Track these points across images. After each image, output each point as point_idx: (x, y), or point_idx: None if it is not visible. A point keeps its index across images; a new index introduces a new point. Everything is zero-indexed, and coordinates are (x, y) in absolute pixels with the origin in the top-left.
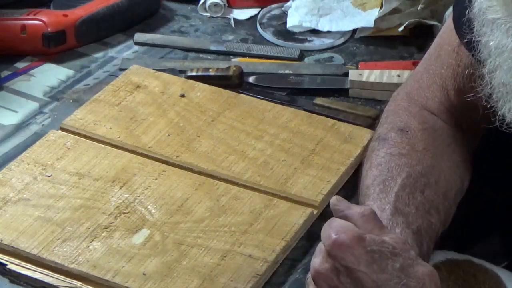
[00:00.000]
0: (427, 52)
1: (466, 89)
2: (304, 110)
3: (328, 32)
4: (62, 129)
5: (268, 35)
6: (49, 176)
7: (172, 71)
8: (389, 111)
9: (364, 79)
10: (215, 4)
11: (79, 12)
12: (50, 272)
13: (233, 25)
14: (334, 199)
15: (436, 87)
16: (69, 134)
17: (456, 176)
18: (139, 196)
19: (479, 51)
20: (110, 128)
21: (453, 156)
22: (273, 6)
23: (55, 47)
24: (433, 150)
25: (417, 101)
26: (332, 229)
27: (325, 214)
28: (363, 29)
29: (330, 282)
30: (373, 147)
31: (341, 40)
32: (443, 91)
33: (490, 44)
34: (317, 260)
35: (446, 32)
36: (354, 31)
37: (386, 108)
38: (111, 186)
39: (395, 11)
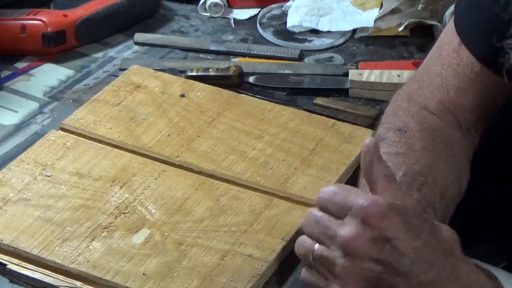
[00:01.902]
0: (429, 53)
1: (466, 88)
2: (304, 110)
3: (328, 32)
4: (62, 129)
5: (268, 35)
6: (49, 176)
7: (172, 71)
8: (389, 111)
9: (364, 79)
10: (215, 4)
11: (79, 12)
12: (50, 272)
13: (233, 25)
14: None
15: (436, 87)
16: (69, 134)
17: (454, 177)
18: (139, 196)
19: None
20: (110, 128)
21: (451, 157)
22: (273, 6)
23: (55, 47)
24: (431, 150)
25: (417, 101)
26: (356, 197)
27: None
28: (363, 29)
29: (368, 252)
30: None
31: (341, 40)
32: (443, 90)
33: None
34: (348, 229)
35: (447, 32)
36: (354, 31)
37: (386, 109)
38: (111, 186)
39: (395, 11)
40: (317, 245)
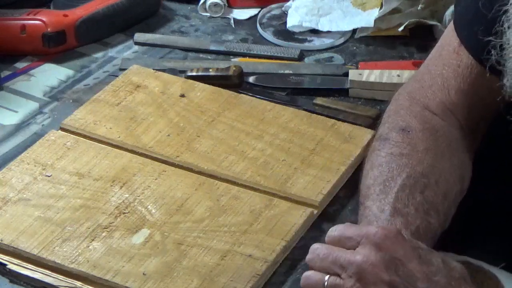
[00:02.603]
0: (430, 53)
1: (467, 89)
2: (304, 110)
3: (328, 32)
4: (62, 129)
5: (268, 35)
6: (49, 176)
7: (172, 71)
8: (391, 110)
9: (364, 79)
10: (215, 4)
11: (79, 12)
12: (50, 272)
13: (233, 25)
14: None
15: (437, 87)
16: (69, 134)
17: (456, 176)
18: (139, 196)
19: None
20: (110, 128)
21: (453, 157)
22: (273, 6)
23: (55, 47)
24: (434, 150)
25: (419, 101)
26: (372, 227)
27: (325, 214)
28: (363, 29)
29: (381, 276)
30: (374, 147)
31: (341, 40)
32: (444, 91)
33: None
34: (362, 254)
35: (448, 33)
36: (354, 31)
37: (387, 108)
38: (111, 186)
39: (395, 11)
40: (327, 277)
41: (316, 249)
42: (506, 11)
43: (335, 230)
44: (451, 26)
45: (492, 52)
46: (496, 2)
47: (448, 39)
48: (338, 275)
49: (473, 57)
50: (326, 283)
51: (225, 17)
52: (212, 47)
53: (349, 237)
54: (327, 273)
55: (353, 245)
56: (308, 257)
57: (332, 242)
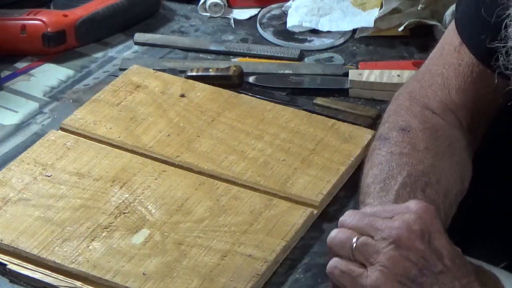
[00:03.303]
0: (431, 52)
1: (467, 88)
2: (304, 110)
3: (328, 32)
4: (62, 129)
5: (268, 35)
6: (49, 176)
7: (172, 71)
8: (391, 110)
9: (364, 79)
10: (215, 4)
11: (79, 12)
12: (50, 272)
13: (233, 25)
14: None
15: (438, 87)
16: (69, 134)
17: (457, 176)
18: (139, 196)
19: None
20: (110, 128)
21: (454, 156)
22: (273, 6)
23: (55, 47)
24: (434, 150)
25: (419, 100)
26: (404, 204)
27: (325, 214)
28: (363, 29)
29: (415, 244)
30: (374, 146)
31: (341, 40)
32: (444, 90)
33: None
34: (401, 220)
35: (449, 32)
36: (354, 31)
37: (388, 107)
38: (111, 186)
39: (395, 11)
40: (356, 237)
41: (351, 213)
42: (509, 15)
43: (371, 208)
44: (452, 26)
45: (499, 57)
46: (497, 5)
47: (449, 39)
48: (371, 236)
49: (475, 56)
50: (355, 243)
51: (225, 17)
52: (212, 47)
53: (387, 210)
54: (360, 233)
55: (390, 216)
56: (342, 218)
57: (368, 214)
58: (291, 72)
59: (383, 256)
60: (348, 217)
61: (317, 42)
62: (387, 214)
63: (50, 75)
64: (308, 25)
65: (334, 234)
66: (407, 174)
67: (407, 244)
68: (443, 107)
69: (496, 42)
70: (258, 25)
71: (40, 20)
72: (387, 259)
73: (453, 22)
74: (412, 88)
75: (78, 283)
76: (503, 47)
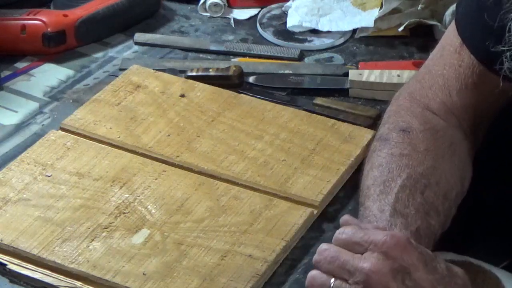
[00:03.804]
0: (431, 53)
1: (468, 89)
2: (304, 110)
3: (328, 32)
4: (62, 129)
5: (268, 35)
6: (49, 176)
7: (172, 71)
8: (391, 111)
9: (364, 79)
10: (215, 4)
11: (79, 12)
12: (50, 272)
13: (233, 25)
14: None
15: (438, 87)
16: (69, 134)
17: (457, 177)
18: (139, 196)
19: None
20: (110, 128)
21: (454, 157)
22: (273, 6)
23: (55, 47)
24: (434, 151)
25: (419, 101)
26: (377, 233)
27: (325, 214)
28: (363, 29)
29: (388, 285)
30: (374, 147)
31: (341, 40)
32: (445, 91)
33: None
34: (370, 262)
35: (449, 33)
36: (354, 31)
37: (388, 108)
38: (111, 186)
39: (395, 11)
40: (333, 280)
41: (324, 251)
42: None
43: (342, 233)
44: (452, 26)
45: (504, 61)
46: (499, 8)
47: (450, 39)
48: (345, 280)
49: (476, 57)
50: (331, 286)
51: (225, 17)
52: (212, 47)
53: (357, 242)
54: (333, 276)
55: (361, 250)
56: (315, 258)
57: (340, 245)
58: (291, 72)
59: None
60: (321, 256)
61: (317, 42)
62: (358, 248)
63: (50, 75)
64: (308, 25)
65: (312, 276)
66: (406, 176)
67: (380, 286)
68: (443, 108)
69: (500, 46)
70: (258, 25)
71: (40, 20)
72: None
73: (453, 23)
74: (412, 89)
75: (78, 283)
76: (507, 50)
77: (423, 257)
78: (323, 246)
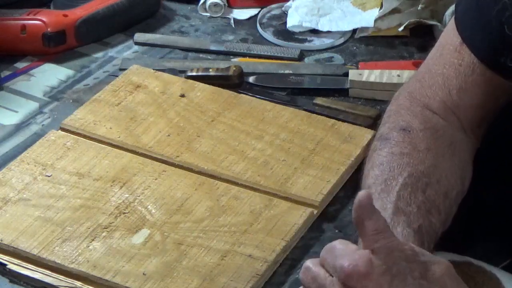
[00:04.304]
0: (430, 52)
1: (468, 88)
2: (304, 110)
3: (328, 32)
4: (62, 129)
5: (268, 35)
6: (49, 176)
7: (172, 71)
8: (391, 110)
9: (364, 79)
10: (215, 4)
11: (79, 12)
12: (50, 272)
13: (233, 25)
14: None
15: (438, 87)
16: (69, 134)
17: (457, 176)
18: (139, 196)
19: None
20: (110, 128)
21: (454, 156)
22: (273, 6)
23: (55, 47)
24: (435, 150)
25: (419, 100)
26: (342, 259)
27: (325, 214)
28: (363, 29)
29: None
30: (375, 147)
31: (341, 40)
32: (445, 90)
33: None
34: None
35: (448, 32)
36: (354, 31)
37: (388, 107)
38: (111, 186)
39: (395, 11)
40: None
41: (306, 270)
42: None
43: (325, 249)
44: (451, 25)
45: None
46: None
47: (449, 38)
48: None
49: (476, 56)
50: None
51: (225, 17)
52: (212, 47)
53: (328, 263)
54: None
55: (332, 273)
56: (301, 273)
57: (321, 260)
58: (291, 72)
59: None
60: (303, 275)
61: (317, 42)
62: (330, 270)
63: (50, 75)
64: (308, 25)
65: None
66: (408, 175)
67: None
68: (443, 107)
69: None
70: (258, 25)
71: (40, 20)
72: None
73: (452, 22)
74: (412, 88)
75: (78, 283)
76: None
77: (390, 275)
78: (306, 264)
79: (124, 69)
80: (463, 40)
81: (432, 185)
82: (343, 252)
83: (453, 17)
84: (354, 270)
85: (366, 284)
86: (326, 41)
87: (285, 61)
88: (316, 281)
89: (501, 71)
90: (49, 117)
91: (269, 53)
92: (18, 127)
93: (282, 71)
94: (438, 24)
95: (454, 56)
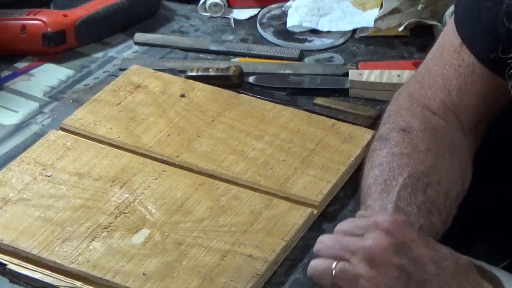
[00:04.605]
0: (429, 52)
1: (468, 89)
2: (304, 110)
3: (328, 32)
4: (62, 129)
5: (268, 35)
6: (49, 176)
7: (172, 71)
8: (391, 111)
9: (364, 79)
10: (215, 4)
11: (79, 12)
12: (50, 272)
13: (233, 25)
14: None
15: (438, 87)
16: (69, 134)
17: (457, 176)
18: (139, 196)
19: None
20: (110, 128)
21: (454, 157)
22: (273, 6)
23: (55, 47)
24: (434, 150)
25: (419, 101)
26: (380, 215)
27: (325, 214)
28: (363, 29)
29: (391, 259)
30: (374, 147)
31: (341, 40)
32: (444, 91)
33: None
34: (371, 239)
35: (448, 32)
36: (354, 31)
37: (387, 108)
38: (111, 186)
39: (395, 11)
40: (335, 263)
41: (324, 239)
42: None
43: (344, 222)
44: (450, 25)
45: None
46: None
47: (449, 39)
48: (347, 261)
49: (476, 57)
50: (334, 269)
51: (225, 17)
52: (212, 47)
53: (358, 226)
54: (336, 259)
55: (362, 233)
56: (316, 247)
57: (341, 232)
58: (291, 72)
59: (363, 280)
60: (322, 243)
61: (317, 42)
62: (358, 231)
63: (50, 75)
64: (308, 25)
65: (314, 265)
66: (408, 175)
67: (383, 263)
68: (443, 108)
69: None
70: (258, 25)
71: (40, 20)
72: (367, 281)
73: (451, 22)
74: (412, 89)
75: (78, 283)
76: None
77: (424, 236)
78: (322, 236)
79: (124, 69)
80: (463, 41)
81: (432, 185)
82: (371, 215)
83: (453, 17)
84: (397, 219)
85: (406, 233)
86: (326, 41)
87: (285, 61)
88: (338, 243)
89: (500, 71)
90: (49, 117)
91: (269, 53)
92: (18, 127)
93: (282, 71)
94: (438, 24)
95: (453, 57)
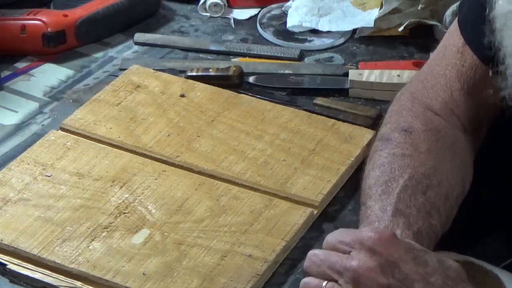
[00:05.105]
0: (433, 53)
1: (470, 89)
2: (304, 110)
3: (328, 32)
4: (62, 129)
5: (268, 35)
6: (49, 176)
7: (172, 71)
8: (393, 111)
9: (364, 79)
10: (215, 4)
11: (79, 12)
12: (50, 272)
13: (233, 25)
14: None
15: (440, 88)
16: (69, 134)
17: (458, 177)
18: (139, 196)
19: (498, 52)
20: (110, 128)
21: (455, 158)
22: (273, 6)
23: (55, 47)
24: (436, 151)
25: (421, 101)
26: (366, 230)
27: (325, 214)
28: (363, 29)
29: (377, 280)
30: (376, 147)
31: (341, 40)
32: (447, 91)
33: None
34: (357, 259)
35: (451, 33)
36: (354, 31)
37: (390, 108)
38: (111, 186)
39: (395, 11)
40: (325, 283)
41: (313, 256)
42: None
43: (333, 235)
44: (454, 26)
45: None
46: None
47: (452, 40)
48: (336, 281)
49: (479, 58)
50: None
51: (225, 17)
52: (212, 47)
53: (344, 242)
54: (325, 279)
55: (349, 250)
56: (306, 264)
57: (329, 247)
58: (291, 72)
59: None
60: (310, 261)
61: (317, 42)
62: (345, 247)
63: (50, 75)
64: (308, 25)
65: (304, 282)
66: (408, 177)
67: (369, 284)
68: (445, 108)
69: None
70: (258, 25)
71: (40, 20)
72: None
73: (455, 23)
74: (414, 89)
75: (78, 283)
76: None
77: (411, 251)
78: (311, 251)
79: (124, 69)
80: (466, 42)
81: (433, 187)
82: (359, 230)
83: (457, 18)
84: (382, 236)
85: (392, 251)
86: (326, 41)
87: (285, 61)
88: (326, 262)
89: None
90: (49, 117)
91: (269, 53)
92: (18, 127)
93: (282, 71)
94: (438, 24)
95: (456, 58)
